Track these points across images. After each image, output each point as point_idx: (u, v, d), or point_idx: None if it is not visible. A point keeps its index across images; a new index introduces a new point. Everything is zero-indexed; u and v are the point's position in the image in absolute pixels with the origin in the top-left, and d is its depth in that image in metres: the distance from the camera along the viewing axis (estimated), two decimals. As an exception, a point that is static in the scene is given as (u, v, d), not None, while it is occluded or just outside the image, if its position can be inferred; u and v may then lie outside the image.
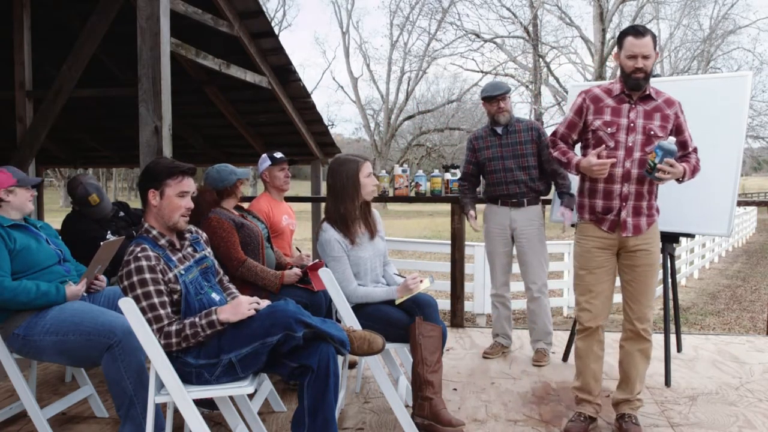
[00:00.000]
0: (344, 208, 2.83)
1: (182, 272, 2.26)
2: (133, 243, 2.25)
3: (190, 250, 2.39)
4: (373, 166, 2.96)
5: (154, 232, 2.28)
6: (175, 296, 2.22)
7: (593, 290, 2.75)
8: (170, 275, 2.22)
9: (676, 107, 2.71)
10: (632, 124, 2.65)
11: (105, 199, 3.51)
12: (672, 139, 2.56)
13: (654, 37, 2.65)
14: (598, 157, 2.61)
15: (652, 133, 2.63)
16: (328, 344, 2.19)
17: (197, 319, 2.16)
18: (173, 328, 2.15)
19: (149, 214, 2.31)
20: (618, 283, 2.80)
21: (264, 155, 3.69)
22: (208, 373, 2.16)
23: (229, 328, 2.19)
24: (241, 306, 2.17)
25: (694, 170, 2.72)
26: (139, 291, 2.14)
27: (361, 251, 2.86)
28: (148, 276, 2.15)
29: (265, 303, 2.27)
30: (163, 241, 2.28)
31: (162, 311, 2.15)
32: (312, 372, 2.14)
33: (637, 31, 2.63)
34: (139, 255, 2.17)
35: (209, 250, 2.52)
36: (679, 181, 2.66)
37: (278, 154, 3.66)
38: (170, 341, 2.14)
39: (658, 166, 2.52)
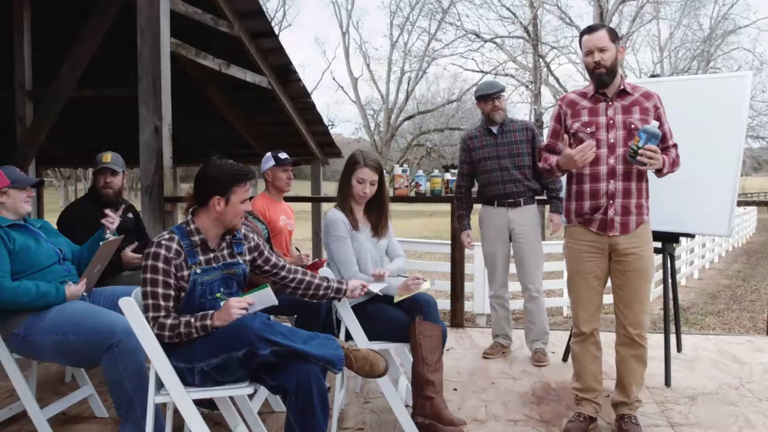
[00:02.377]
0: (342, 200, 2.91)
1: (198, 272, 2.22)
2: (167, 230, 2.26)
3: (226, 252, 2.33)
4: None
5: (192, 227, 2.25)
6: (182, 293, 2.22)
7: (585, 295, 2.73)
8: (185, 273, 2.20)
9: (654, 99, 2.68)
10: (611, 121, 2.64)
11: (118, 164, 3.41)
12: (656, 123, 2.54)
13: (611, 32, 2.63)
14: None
15: (632, 127, 2.61)
16: (309, 363, 2.09)
17: (193, 320, 2.14)
18: (168, 321, 2.13)
19: (204, 215, 2.26)
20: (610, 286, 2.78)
21: (268, 154, 3.67)
22: (189, 377, 2.15)
23: (201, 337, 2.15)
24: (231, 311, 2.13)
25: (674, 164, 2.66)
26: (148, 276, 2.15)
27: (365, 242, 2.90)
28: (161, 265, 2.15)
29: (257, 303, 2.24)
30: (196, 238, 2.24)
31: (162, 302, 2.14)
32: (291, 394, 2.07)
33: (590, 28, 2.67)
34: (163, 242, 2.17)
35: (250, 257, 2.41)
36: (659, 173, 2.63)
37: (283, 155, 3.65)
38: (162, 333, 2.12)
39: (641, 150, 2.49)
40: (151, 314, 2.13)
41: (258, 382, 2.20)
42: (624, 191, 2.63)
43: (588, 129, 2.65)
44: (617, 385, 2.81)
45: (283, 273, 2.50)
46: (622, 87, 2.67)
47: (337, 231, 2.83)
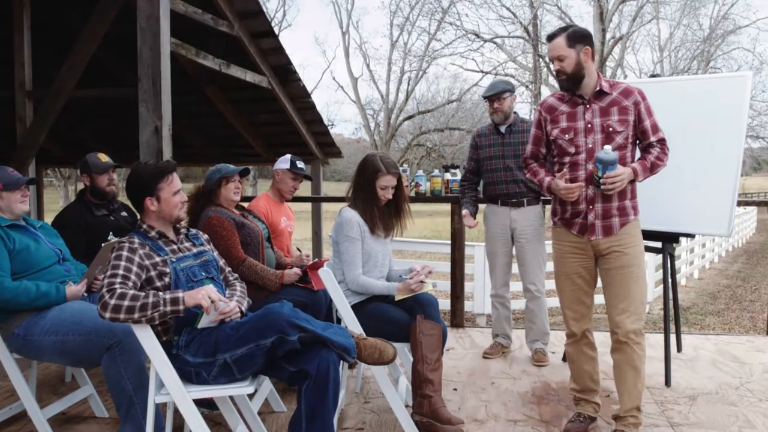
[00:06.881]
0: (363, 205, 2.91)
1: (173, 260, 2.29)
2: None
3: (187, 244, 2.43)
4: None
5: (145, 226, 2.35)
6: (166, 279, 2.23)
7: (572, 295, 2.71)
8: (158, 259, 2.25)
9: (634, 96, 2.59)
10: (589, 125, 2.60)
11: (107, 167, 3.41)
12: (608, 147, 2.48)
13: (570, 37, 2.55)
14: (565, 180, 2.59)
15: (611, 129, 2.56)
16: (329, 350, 2.16)
17: (161, 293, 2.12)
18: (130, 291, 2.07)
19: (148, 216, 2.36)
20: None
21: (288, 156, 3.68)
22: (205, 372, 2.16)
23: (224, 328, 2.18)
24: (201, 291, 2.13)
25: (653, 166, 2.59)
26: (111, 263, 2.15)
27: (375, 244, 2.91)
28: (124, 253, 2.18)
29: (232, 305, 2.24)
30: (153, 233, 2.33)
31: (118, 279, 2.10)
32: (310, 378, 2.12)
33: (549, 36, 2.63)
34: (125, 241, 2.23)
35: (210, 247, 2.54)
36: (634, 181, 2.58)
37: (300, 164, 3.67)
38: (121, 304, 2.02)
39: (602, 180, 2.47)
40: (105, 289, 2.06)
41: (276, 372, 2.22)
42: (604, 195, 2.57)
43: (566, 135, 2.62)
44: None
45: (223, 275, 2.54)
46: (598, 88, 2.60)
47: (351, 231, 2.84)
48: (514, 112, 3.88)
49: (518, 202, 3.81)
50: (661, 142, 2.63)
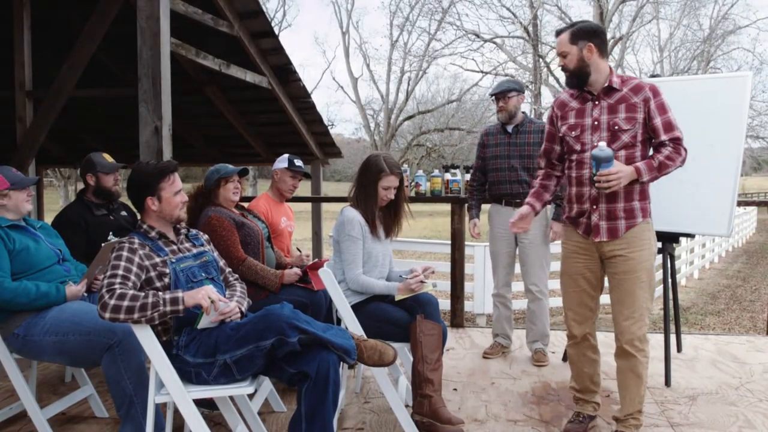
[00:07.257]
0: (365, 204, 2.91)
1: (173, 261, 2.29)
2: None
3: (188, 245, 2.43)
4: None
5: (145, 227, 2.35)
6: (166, 279, 2.23)
7: (574, 296, 2.69)
8: (158, 260, 2.25)
9: (644, 92, 2.50)
10: (596, 122, 2.55)
11: (114, 167, 3.42)
12: (603, 144, 2.42)
13: (574, 33, 2.51)
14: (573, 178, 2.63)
15: (617, 128, 2.50)
16: (329, 352, 2.15)
17: (161, 293, 2.12)
18: (129, 291, 2.07)
19: (148, 216, 2.36)
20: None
21: (286, 155, 3.68)
22: (205, 373, 2.16)
23: (224, 329, 2.18)
24: (200, 292, 2.13)
25: (661, 166, 2.46)
26: (111, 263, 2.15)
27: (375, 244, 2.91)
28: (124, 254, 2.18)
29: (232, 305, 2.24)
30: (153, 233, 2.33)
31: (118, 279, 2.09)
32: (310, 379, 2.12)
33: (556, 31, 2.63)
34: (125, 241, 2.23)
35: (210, 248, 2.53)
36: (638, 182, 2.50)
37: (298, 162, 3.67)
38: (121, 304, 2.03)
39: (596, 177, 2.42)
40: (105, 289, 2.06)
41: (276, 373, 2.22)
42: (608, 195, 2.51)
43: (573, 132, 2.60)
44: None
45: (223, 275, 2.54)
46: (608, 84, 2.54)
47: (352, 230, 2.84)
48: (523, 112, 3.87)
49: (522, 203, 3.79)
50: (675, 141, 2.49)
